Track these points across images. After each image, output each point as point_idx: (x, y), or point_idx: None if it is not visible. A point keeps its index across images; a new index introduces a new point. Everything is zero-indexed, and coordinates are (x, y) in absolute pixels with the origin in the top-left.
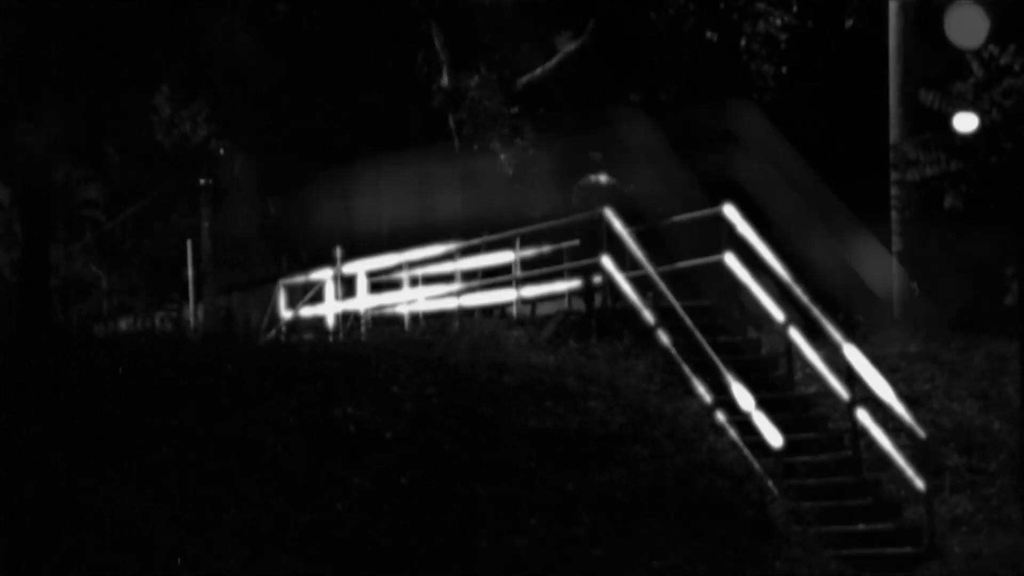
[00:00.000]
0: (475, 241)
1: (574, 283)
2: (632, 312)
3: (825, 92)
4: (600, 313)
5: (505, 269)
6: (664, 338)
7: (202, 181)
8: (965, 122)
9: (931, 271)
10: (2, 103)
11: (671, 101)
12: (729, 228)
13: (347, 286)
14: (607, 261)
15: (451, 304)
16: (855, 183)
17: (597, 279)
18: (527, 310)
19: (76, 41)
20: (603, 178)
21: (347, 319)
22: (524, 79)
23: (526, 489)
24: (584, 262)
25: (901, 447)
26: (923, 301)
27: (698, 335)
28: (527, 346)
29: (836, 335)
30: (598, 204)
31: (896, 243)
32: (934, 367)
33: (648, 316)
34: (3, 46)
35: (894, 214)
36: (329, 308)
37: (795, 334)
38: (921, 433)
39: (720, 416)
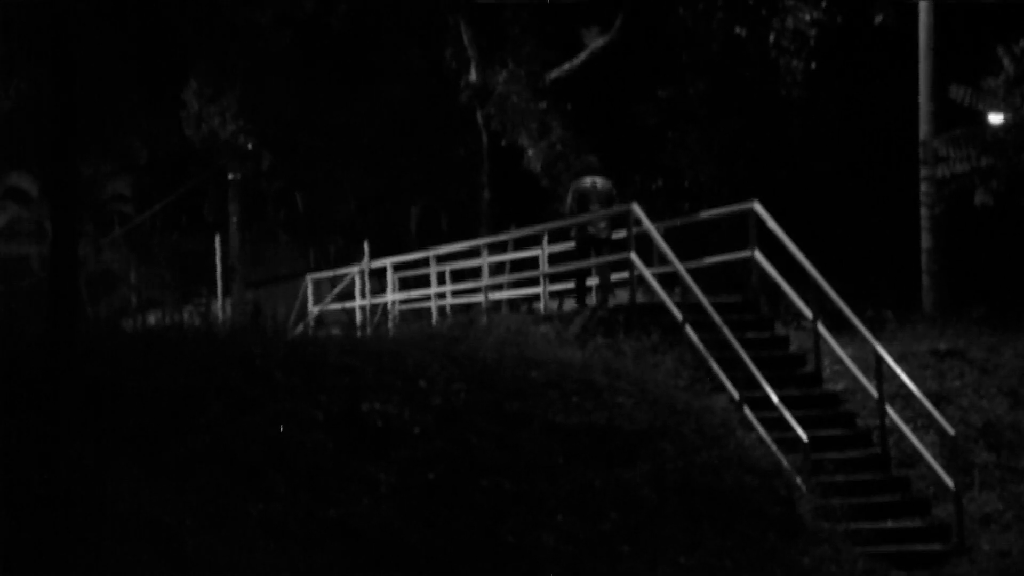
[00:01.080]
0: (503, 236)
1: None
2: (660, 308)
3: (854, 88)
4: (628, 309)
5: (532, 263)
6: (692, 334)
7: (230, 176)
8: (996, 119)
9: (960, 267)
10: (32, 96)
11: (699, 97)
12: (758, 224)
13: (375, 281)
14: (635, 257)
15: (479, 299)
16: (885, 180)
17: (624, 275)
18: (554, 305)
19: (106, 36)
20: (599, 181)
21: (375, 314)
22: (552, 74)
23: (552, 485)
24: (612, 258)
25: (930, 444)
26: (953, 298)
27: (726, 331)
28: (554, 341)
29: (865, 331)
30: (594, 206)
31: (925, 239)
32: (963, 364)
33: (676, 312)
34: (35, 42)
35: (923, 210)
36: (357, 303)
37: (823, 331)
38: (950, 430)
39: (748, 412)
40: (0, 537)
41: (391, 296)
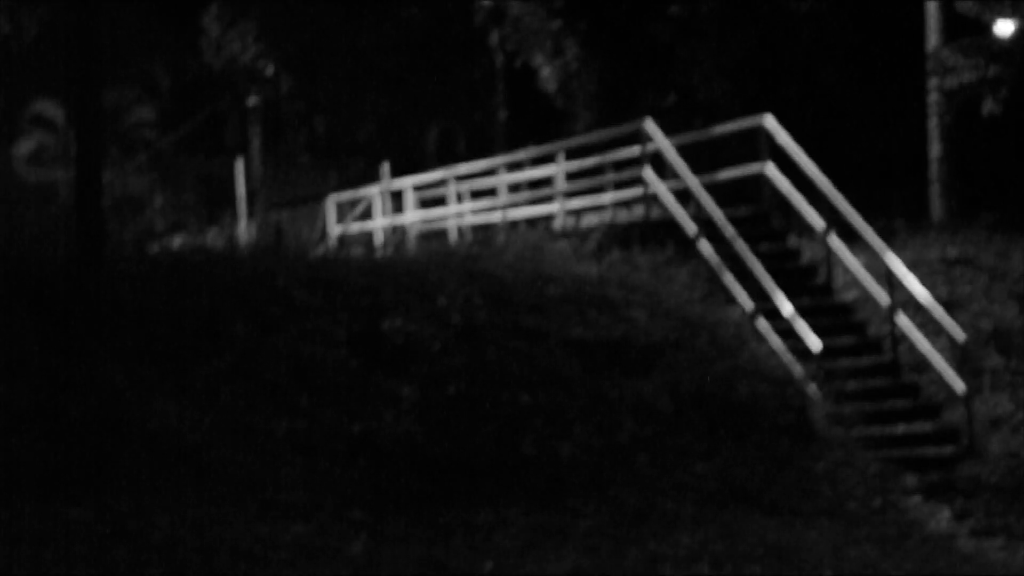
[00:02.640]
0: (519, 155)
1: (618, 195)
2: (674, 223)
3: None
4: (642, 224)
5: (549, 182)
6: (705, 248)
7: (250, 101)
8: (1004, 28)
9: (969, 176)
10: (56, 23)
11: (710, 14)
12: (769, 138)
13: (395, 201)
14: (649, 172)
15: (496, 217)
16: (894, 92)
17: (638, 191)
18: (571, 222)
19: None
20: None
21: (395, 233)
22: None
23: (570, 397)
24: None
25: (940, 350)
26: (962, 206)
27: (738, 244)
28: (571, 257)
29: (875, 241)
30: None
31: (934, 149)
32: (973, 270)
33: (689, 226)
34: None
35: (932, 120)
36: (377, 223)
37: (835, 241)
38: (960, 335)
39: (761, 323)
40: (33, 456)
41: (411, 216)
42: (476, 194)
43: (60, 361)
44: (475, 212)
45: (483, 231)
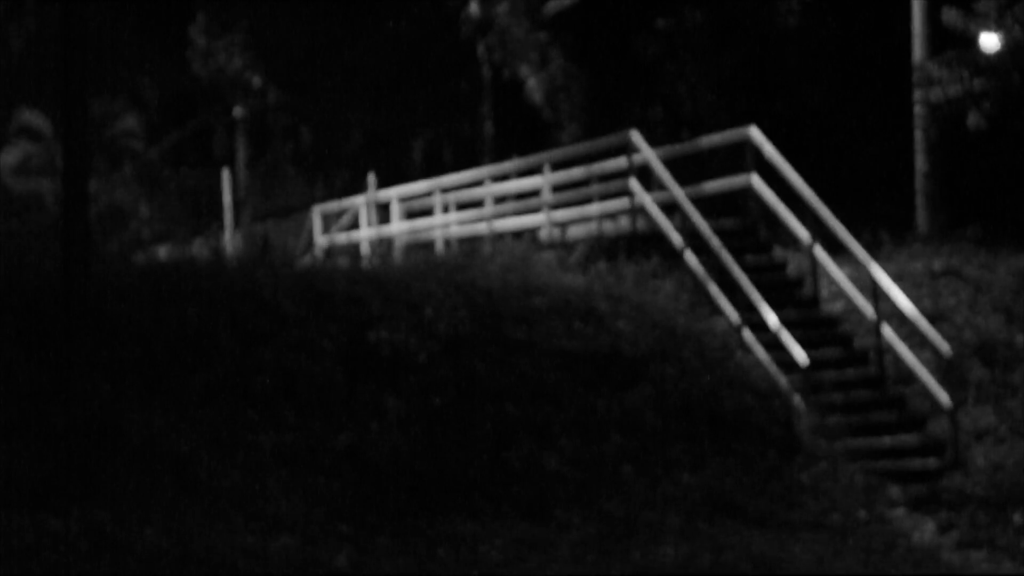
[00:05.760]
0: (505, 166)
1: (604, 206)
2: (660, 234)
3: (849, 14)
4: (629, 236)
5: (535, 193)
6: (691, 259)
7: (237, 112)
8: (989, 41)
9: (955, 189)
10: (43, 34)
11: (697, 28)
12: (755, 150)
13: (381, 212)
14: (635, 184)
15: (482, 229)
16: (880, 105)
17: (625, 203)
18: (557, 233)
19: None
20: None
21: (381, 245)
22: (552, 5)
23: (556, 409)
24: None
25: (926, 362)
26: (947, 218)
27: (724, 255)
28: (557, 269)
29: (861, 253)
30: None
31: (920, 162)
32: (958, 283)
33: (675, 238)
34: None
35: (917, 133)
36: (363, 234)
37: (820, 253)
38: (945, 348)
39: (747, 334)
40: (19, 467)
41: (397, 227)
42: (462, 205)
43: (46, 372)
44: (461, 223)
45: (469, 242)
